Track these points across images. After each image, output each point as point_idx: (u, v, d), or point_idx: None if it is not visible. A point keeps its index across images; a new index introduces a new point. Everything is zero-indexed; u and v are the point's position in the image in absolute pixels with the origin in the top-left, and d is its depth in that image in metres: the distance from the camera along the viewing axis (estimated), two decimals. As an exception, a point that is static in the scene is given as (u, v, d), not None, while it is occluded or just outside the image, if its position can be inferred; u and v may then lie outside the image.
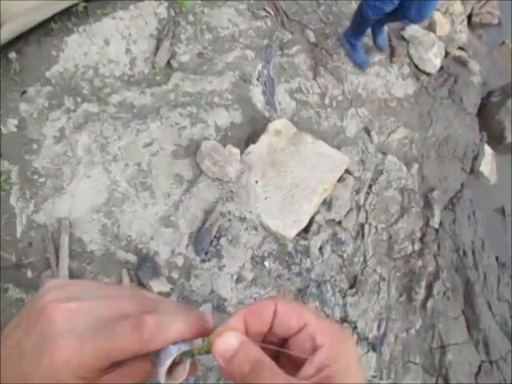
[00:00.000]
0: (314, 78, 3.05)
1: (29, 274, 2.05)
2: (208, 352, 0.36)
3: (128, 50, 2.54)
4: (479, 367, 2.70)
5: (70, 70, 2.38)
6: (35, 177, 2.17)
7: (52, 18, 2.32)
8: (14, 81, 2.23)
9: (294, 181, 2.48)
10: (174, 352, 0.36)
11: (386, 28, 3.23)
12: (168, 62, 2.63)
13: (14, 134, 2.20)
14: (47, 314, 0.33)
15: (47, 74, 2.32)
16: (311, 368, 0.34)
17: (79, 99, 2.35)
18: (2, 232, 2.07)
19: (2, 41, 2.13)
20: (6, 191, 2.11)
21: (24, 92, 2.26)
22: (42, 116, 2.25)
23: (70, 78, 2.36)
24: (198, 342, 0.38)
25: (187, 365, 0.37)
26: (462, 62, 3.76)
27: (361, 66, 3.18)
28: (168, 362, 0.35)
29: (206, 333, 0.37)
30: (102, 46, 2.47)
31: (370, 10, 2.57)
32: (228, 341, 0.34)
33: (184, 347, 0.36)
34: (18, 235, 2.08)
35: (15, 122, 2.21)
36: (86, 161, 2.27)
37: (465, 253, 3.05)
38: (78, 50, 2.41)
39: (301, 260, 2.49)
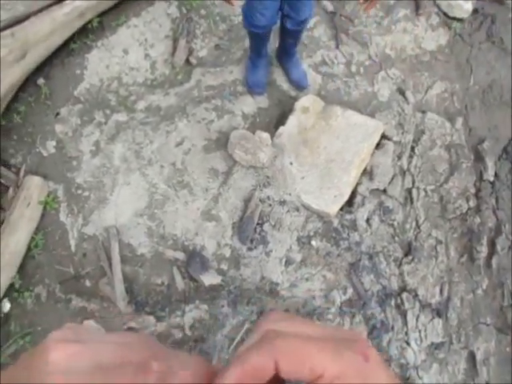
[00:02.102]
0: (337, 48, 2.95)
1: (87, 283, 2.17)
2: None
3: (147, 55, 2.59)
4: (559, 321, 2.52)
5: (96, 85, 2.46)
6: (79, 192, 2.28)
7: (71, 39, 2.41)
8: (46, 105, 2.35)
9: (329, 156, 2.42)
10: None
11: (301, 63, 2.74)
12: (187, 60, 2.65)
13: (54, 155, 2.32)
14: (45, 353, 0.31)
15: (75, 92, 2.42)
16: None
17: (108, 111, 2.43)
18: (58, 248, 2.20)
19: (29, 69, 2.25)
20: (55, 209, 2.24)
21: (57, 114, 2.37)
22: (76, 133, 2.36)
23: (96, 93, 2.45)
24: None
25: None
26: (498, 0, 3.48)
27: (251, 89, 2.64)
28: None
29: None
30: (121, 56, 2.54)
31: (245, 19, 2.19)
32: None
33: None
34: (73, 249, 2.20)
35: (53, 143, 2.33)
36: (123, 169, 2.35)
37: (528, 202, 2.84)
38: (100, 64, 2.49)
39: (348, 234, 2.44)
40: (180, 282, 2.21)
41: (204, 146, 2.44)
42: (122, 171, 2.34)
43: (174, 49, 2.64)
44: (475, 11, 3.31)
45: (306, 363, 0.30)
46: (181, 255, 2.24)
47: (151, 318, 2.11)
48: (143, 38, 2.59)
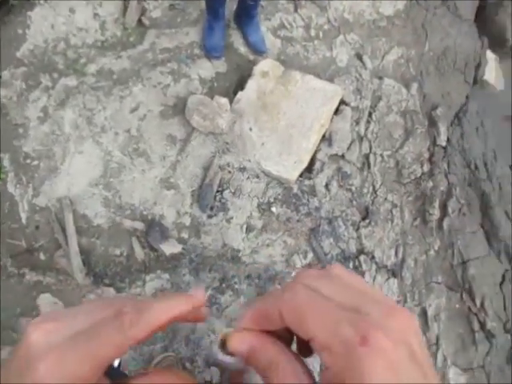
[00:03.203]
0: (296, 11, 2.89)
1: (42, 256, 2.08)
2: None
3: (96, 15, 2.42)
4: (503, 276, 2.69)
5: (41, 46, 2.29)
6: (28, 161, 2.15)
7: (10, -6, 2.22)
8: (-15, 67, 2.17)
9: (288, 121, 2.40)
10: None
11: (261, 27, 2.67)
12: (139, 21, 2.51)
13: (-2, 122, 2.17)
14: (26, 338, 0.32)
15: (18, 54, 2.24)
16: None
17: (56, 75, 2.28)
18: (7, 221, 2.09)
19: (-37, 27, 2.05)
20: (2, 180, 2.11)
21: (-1, 77, 2.20)
22: (21, 99, 2.21)
23: (41, 55, 2.28)
24: None
25: None
26: (453, -35, 3.50)
27: (208, 52, 2.54)
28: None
29: (198, 308, 0.36)
30: (67, 16, 2.37)
31: None
32: (235, 345, 0.33)
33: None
34: (24, 221, 2.09)
35: (-4, 109, 2.17)
36: (75, 137, 2.23)
37: (476, 166, 2.97)
38: (44, 23, 2.31)
39: (308, 200, 2.46)
40: (140, 252, 2.17)
41: (160, 111, 2.35)
42: (74, 139, 2.22)
43: (125, 8, 2.49)
44: (431, -24, 3.32)
45: (302, 323, 0.30)
46: (140, 225, 2.18)
47: (111, 290, 2.07)
48: (91, -5, 2.42)
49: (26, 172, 2.14)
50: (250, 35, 2.61)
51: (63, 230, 2.09)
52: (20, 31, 2.26)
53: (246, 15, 2.53)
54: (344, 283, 0.33)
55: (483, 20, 3.51)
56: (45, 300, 2.00)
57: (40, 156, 2.16)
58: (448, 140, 2.97)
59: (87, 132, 2.24)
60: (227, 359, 0.35)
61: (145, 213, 2.23)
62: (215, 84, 2.51)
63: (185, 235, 2.25)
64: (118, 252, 2.15)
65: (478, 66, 3.33)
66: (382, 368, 0.27)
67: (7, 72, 2.22)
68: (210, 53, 2.53)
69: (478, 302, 2.58)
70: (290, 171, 2.34)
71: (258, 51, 2.63)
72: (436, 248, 2.70)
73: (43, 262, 2.08)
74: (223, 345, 0.35)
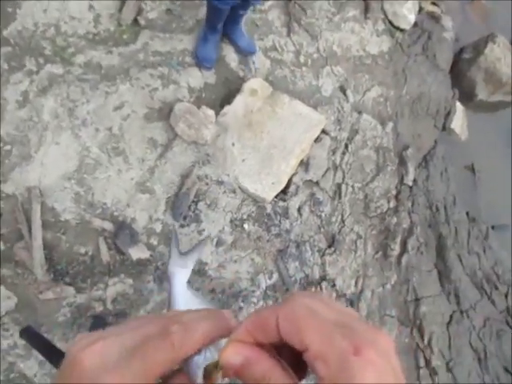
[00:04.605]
0: (289, 35, 2.96)
1: (1, 246, 1.97)
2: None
3: (91, 6, 2.37)
4: (451, 317, 2.83)
5: (30, 29, 2.21)
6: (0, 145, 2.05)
7: (5, -29, 2.13)
8: (-33, 41, 2.07)
9: (271, 142, 2.44)
10: (200, 363, 0.37)
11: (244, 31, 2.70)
12: (135, 20, 2.48)
13: (-28, 100, 2.06)
14: (77, 363, 0.33)
15: (4, 33, 2.15)
16: None
17: (41, 60, 2.20)
18: (-33, 204, 1.97)
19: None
20: (-32, 161, 1.99)
21: (-20, 53, 2.10)
22: (1, 79, 2.11)
23: (29, 38, 2.20)
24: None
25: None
26: (435, 18, 3.72)
27: (200, 62, 2.55)
28: (200, 374, 0.37)
29: (230, 331, 0.37)
30: (62, 2, 2.30)
31: None
32: (230, 356, 0.34)
33: (209, 355, 0.38)
34: (-14, 207, 1.98)
35: (-27, 86, 2.06)
36: (53, 126, 2.15)
37: (437, 209, 3.12)
38: (37, 5, 2.23)
39: (280, 221, 2.49)
40: (105, 254, 2.10)
41: (145, 114, 2.32)
42: (52, 128, 2.14)
43: (122, 5, 2.45)
44: (416, 24, 3.51)
45: (299, 333, 0.31)
46: (109, 226, 2.12)
47: (71, 289, 1.98)
48: (89, -14, 2.37)
49: (-4, 156, 2.04)
50: (238, 40, 2.64)
51: (28, 221, 1.99)
52: (10, 9, 2.18)
53: (232, 22, 2.55)
54: (332, 305, 0.35)
55: (457, 73, 3.74)
56: (-3, 292, 1.89)
57: (13, 141, 2.07)
58: (414, 180, 3.11)
59: (67, 123, 2.16)
60: None
61: (116, 214, 2.17)
62: (203, 94, 2.51)
63: (154, 241, 2.21)
64: (82, 251, 2.07)
65: (448, 115, 3.54)
66: (372, 376, 0.29)
67: (-10, 49, 2.12)
68: (201, 63, 2.53)
69: (425, 339, 2.69)
70: (267, 191, 2.37)
71: (251, 52, 2.68)
72: (393, 282, 2.80)
73: (2, 251, 1.97)
74: (206, 376, 0.37)
